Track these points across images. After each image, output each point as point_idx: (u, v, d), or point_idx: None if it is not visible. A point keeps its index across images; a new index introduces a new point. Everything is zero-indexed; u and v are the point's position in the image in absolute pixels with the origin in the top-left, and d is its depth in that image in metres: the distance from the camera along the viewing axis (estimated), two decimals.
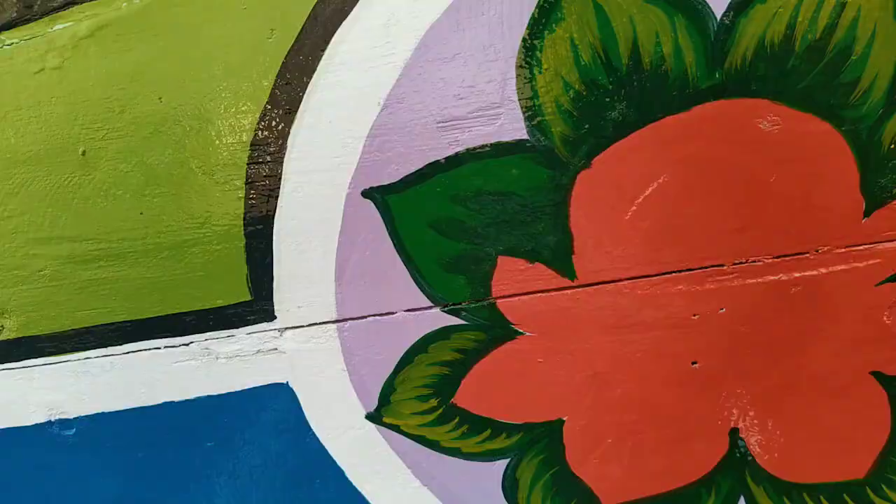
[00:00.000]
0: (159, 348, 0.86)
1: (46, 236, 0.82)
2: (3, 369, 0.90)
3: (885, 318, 0.77)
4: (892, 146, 0.69)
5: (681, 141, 0.71)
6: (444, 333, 0.82)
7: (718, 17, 0.66)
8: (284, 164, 0.75)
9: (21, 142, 0.78)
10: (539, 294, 0.79)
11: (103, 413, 0.90)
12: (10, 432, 0.93)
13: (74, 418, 0.91)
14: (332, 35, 0.70)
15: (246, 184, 0.77)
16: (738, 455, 0.82)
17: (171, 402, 0.89)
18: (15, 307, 0.86)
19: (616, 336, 0.80)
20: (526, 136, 0.72)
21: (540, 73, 0.70)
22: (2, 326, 0.88)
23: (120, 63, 0.73)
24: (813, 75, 0.68)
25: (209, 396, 0.88)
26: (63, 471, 0.92)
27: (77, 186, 0.79)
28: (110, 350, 0.87)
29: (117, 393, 0.89)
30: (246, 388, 0.87)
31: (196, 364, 0.86)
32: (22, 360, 0.89)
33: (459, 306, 0.80)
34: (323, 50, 0.71)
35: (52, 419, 0.92)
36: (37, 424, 0.92)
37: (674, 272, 0.76)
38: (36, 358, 0.88)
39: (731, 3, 0.66)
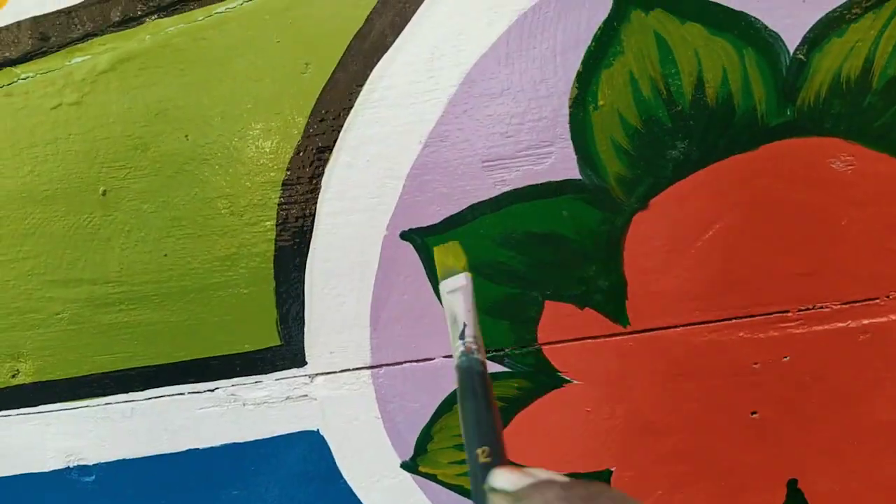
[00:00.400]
0: (183, 394, 0.82)
1: (64, 278, 0.77)
2: (19, 414, 0.85)
3: None
4: None
5: (746, 181, 0.66)
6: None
7: (791, 51, 0.61)
8: (318, 205, 0.71)
9: (37, 180, 0.73)
10: (588, 340, 0.74)
11: (124, 460, 0.86)
12: (27, 478, 0.89)
13: (94, 465, 0.87)
14: (372, 69, 0.65)
15: (277, 225, 0.72)
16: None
17: (196, 450, 0.84)
18: (31, 351, 0.82)
19: (670, 385, 0.75)
20: (578, 176, 0.67)
21: (595, 109, 0.65)
22: (17, 370, 0.83)
23: (143, 98, 0.69)
24: (891, 113, 0.62)
25: (235, 444, 0.83)
26: None
27: (97, 227, 0.74)
28: (131, 395, 0.82)
29: (139, 439, 0.84)
30: (274, 435, 0.82)
31: (222, 410, 0.82)
32: (38, 405, 0.84)
33: (503, 352, 0.75)
34: (361, 85, 0.66)
35: (71, 465, 0.87)
36: (55, 470, 0.88)
37: (735, 318, 0.71)
38: (53, 403, 0.84)
39: (805, 37, 0.60)
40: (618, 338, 0.73)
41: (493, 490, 0.39)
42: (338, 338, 0.77)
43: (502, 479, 0.39)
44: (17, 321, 0.80)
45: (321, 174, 0.69)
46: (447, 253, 0.60)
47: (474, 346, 0.49)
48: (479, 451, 0.41)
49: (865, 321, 0.70)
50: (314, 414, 0.80)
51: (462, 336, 0.49)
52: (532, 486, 0.37)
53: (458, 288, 0.52)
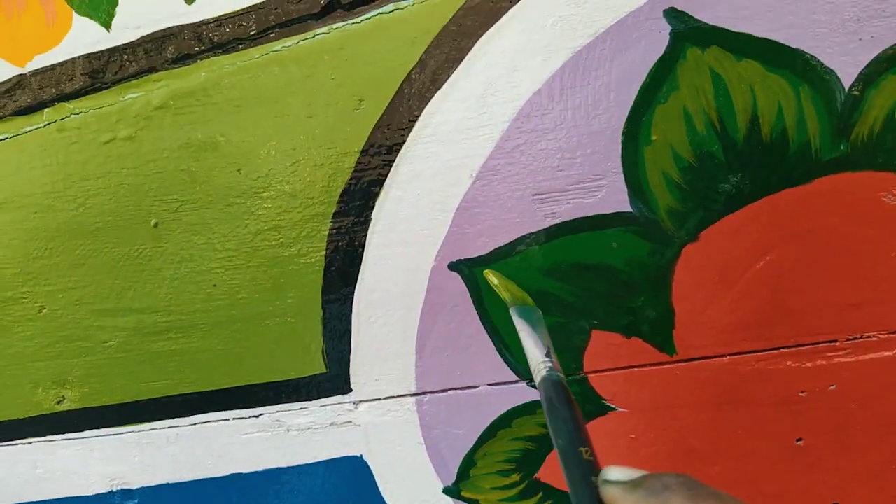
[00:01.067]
0: (228, 420, 0.82)
1: (113, 308, 0.78)
2: (64, 440, 0.86)
3: None
4: None
5: (798, 214, 0.66)
6: (530, 408, 0.77)
7: (847, 87, 0.61)
8: (368, 237, 0.71)
9: (87, 213, 0.74)
10: (635, 369, 0.74)
11: (167, 484, 0.87)
12: (70, 501, 0.90)
13: (137, 489, 0.87)
14: (425, 106, 0.66)
15: (326, 256, 0.72)
16: None
17: (239, 474, 0.85)
18: (77, 378, 0.82)
19: (716, 413, 0.75)
20: (628, 209, 0.67)
21: (648, 144, 0.65)
22: (63, 397, 0.84)
23: (196, 133, 0.69)
24: None
25: (279, 468, 0.84)
26: None
27: (147, 258, 0.75)
28: (177, 421, 0.83)
29: (183, 464, 0.85)
30: (318, 460, 0.83)
31: (266, 436, 0.82)
32: (83, 430, 0.85)
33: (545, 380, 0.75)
34: (413, 121, 0.66)
35: (114, 489, 0.88)
36: (98, 494, 0.89)
37: (783, 348, 0.71)
38: (98, 429, 0.85)
39: (861, 73, 0.60)
40: (664, 366, 0.74)
41: (608, 482, 0.42)
42: (383, 365, 0.77)
43: (616, 471, 0.42)
44: (64, 349, 0.81)
45: (372, 207, 0.70)
46: (506, 285, 0.62)
47: (559, 366, 0.58)
48: (582, 450, 0.46)
49: None
50: (358, 440, 0.81)
51: (548, 356, 0.58)
52: (647, 476, 0.40)
53: (535, 315, 0.62)
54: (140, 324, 0.78)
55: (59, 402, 0.84)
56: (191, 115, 0.68)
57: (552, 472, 0.80)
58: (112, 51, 0.68)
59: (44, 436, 0.87)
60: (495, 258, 0.71)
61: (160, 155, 0.70)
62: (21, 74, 0.71)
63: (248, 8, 0.66)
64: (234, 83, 0.67)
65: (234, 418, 0.82)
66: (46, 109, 0.71)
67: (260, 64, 0.65)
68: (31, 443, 0.87)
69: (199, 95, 0.67)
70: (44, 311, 0.80)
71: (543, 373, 0.56)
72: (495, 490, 0.82)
